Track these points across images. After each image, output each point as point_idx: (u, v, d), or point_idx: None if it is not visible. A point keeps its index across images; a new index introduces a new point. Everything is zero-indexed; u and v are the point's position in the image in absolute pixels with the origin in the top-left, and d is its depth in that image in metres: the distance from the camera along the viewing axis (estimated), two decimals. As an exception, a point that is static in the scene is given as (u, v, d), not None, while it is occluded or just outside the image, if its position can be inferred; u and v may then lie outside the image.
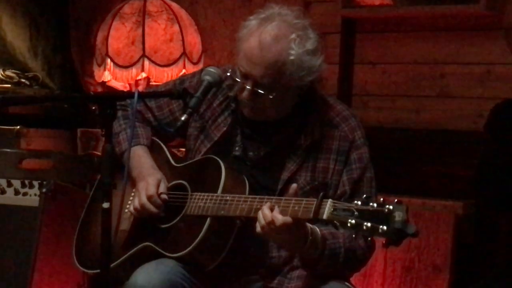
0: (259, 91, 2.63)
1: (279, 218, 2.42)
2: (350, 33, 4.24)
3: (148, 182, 2.73)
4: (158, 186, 2.73)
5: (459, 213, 3.70)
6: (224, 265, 2.65)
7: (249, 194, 2.64)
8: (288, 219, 2.41)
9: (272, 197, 2.53)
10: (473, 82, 3.92)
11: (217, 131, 2.82)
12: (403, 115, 4.10)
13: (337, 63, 4.21)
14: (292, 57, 2.61)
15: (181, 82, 2.94)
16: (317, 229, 2.54)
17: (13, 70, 4.72)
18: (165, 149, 2.94)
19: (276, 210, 2.44)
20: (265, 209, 2.45)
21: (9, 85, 4.65)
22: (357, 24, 4.24)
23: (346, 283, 2.70)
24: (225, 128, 2.80)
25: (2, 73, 4.68)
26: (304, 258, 2.59)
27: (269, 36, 2.61)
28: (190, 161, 2.83)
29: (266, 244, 2.68)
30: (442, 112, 4.00)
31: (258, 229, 2.47)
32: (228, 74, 2.79)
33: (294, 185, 2.49)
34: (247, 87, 2.64)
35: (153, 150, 2.91)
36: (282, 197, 2.51)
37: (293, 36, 2.62)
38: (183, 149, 3.07)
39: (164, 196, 2.72)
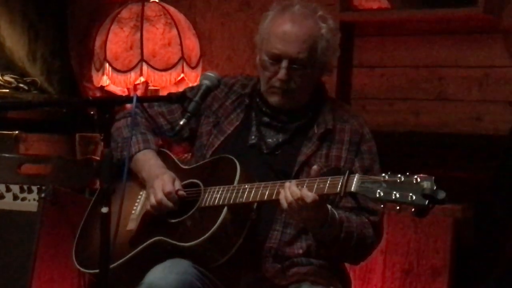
0: (296, 66, 2.75)
1: (308, 194, 2.48)
2: (349, 37, 4.24)
3: (164, 180, 2.76)
4: (173, 182, 2.76)
5: (458, 216, 3.70)
6: (232, 263, 2.66)
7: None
8: (315, 196, 2.48)
9: (291, 180, 2.58)
10: (472, 85, 3.92)
11: (229, 125, 2.90)
12: (401, 119, 4.11)
13: (335, 66, 4.19)
14: (322, 31, 2.79)
15: (190, 90, 2.97)
16: (335, 211, 2.61)
17: (11, 75, 4.72)
18: (171, 155, 2.98)
19: (305, 187, 2.50)
20: (293, 186, 2.52)
21: (8, 90, 4.65)
22: (356, 27, 4.25)
23: None
24: (237, 123, 2.89)
25: (1, 78, 4.67)
26: (321, 238, 2.66)
27: (299, 15, 2.78)
28: (201, 162, 2.87)
29: (272, 221, 2.73)
30: (441, 116, 4.00)
31: (285, 205, 2.52)
32: (240, 77, 2.97)
33: (315, 167, 2.57)
34: (283, 65, 2.76)
35: (160, 156, 2.93)
36: (305, 179, 2.56)
37: (319, 13, 2.82)
38: (186, 155, 3.09)
39: (182, 192, 2.75)
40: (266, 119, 2.86)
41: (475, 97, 3.92)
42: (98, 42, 4.50)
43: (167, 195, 2.72)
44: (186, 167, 2.89)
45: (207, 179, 2.76)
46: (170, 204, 2.73)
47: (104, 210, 2.38)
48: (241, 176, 2.68)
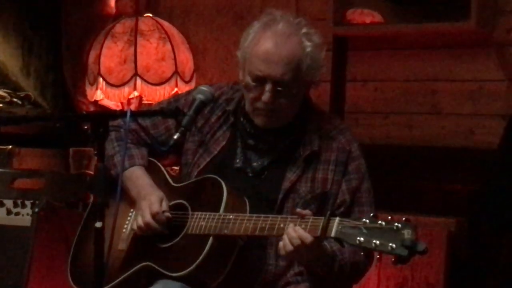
0: (280, 88, 2.65)
1: (308, 236, 2.43)
2: (342, 51, 4.26)
3: (151, 200, 2.73)
4: (161, 203, 2.73)
5: (452, 229, 3.70)
6: (225, 284, 2.64)
7: (250, 207, 2.65)
8: (312, 238, 2.43)
9: (277, 215, 2.55)
10: (465, 99, 3.93)
11: (216, 145, 2.83)
12: (395, 132, 4.11)
13: (329, 80, 4.22)
14: (307, 50, 2.67)
15: (176, 100, 2.95)
16: (327, 245, 2.57)
17: (5, 90, 4.72)
18: (163, 169, 2.93)
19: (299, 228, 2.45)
20: (299, 229, 2.45)
21: (1, 105, 4.64)
22: (349, 42, 4.26)
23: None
24: (224, 142, 2.82)
25: (-6, 92, 4.68)
26: (314, 272, 2.62)
27: (282, 34, 2.66)
28: (190, 181, 2.82)
29: (265, 255, 2.69)
30: (434, 129, 4.01)
31: (291, 248, 2.45)
32: (226, 88, 2.84)
33: (307, 211, 2.51)
34: (267, 89, 2.65)
35: (151, 171, 2.90)
36: (287, 216, 2.53)
37: (303, 31, 2.70)
38: (176, 168, 3.06)
39: (168, 214, 2.72)
40: (251, 141, 2.79)
41: (468, 110, 3.93)
42: (92, 57, 4.50)
43: (154, 216, 2.69)
44: (175, 184, 2.85)
45: (195, 201, 2.72)
46: (157, 226, 2.70)
47: (98, 225, 2.37)
48: (228, 202, 2.63)
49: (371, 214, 2.31)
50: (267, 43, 2.65)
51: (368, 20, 4.10)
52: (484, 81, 3.89)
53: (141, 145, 2.95)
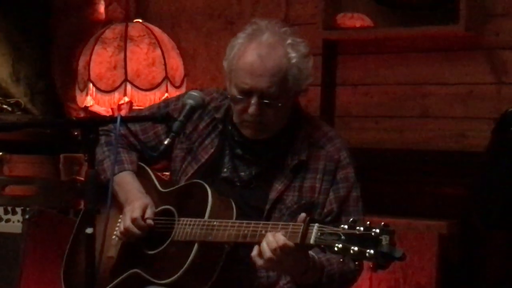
0: (267, 101, 2.62)
1: (289, 243, 2.38)
2: (332, 55, 4.26)
3: (134, 206, 2.72)
4: (144, 209, 2.71)
5: (443, 232, 3.71)
6: None
7: (237, 216, 2.63)
8: (292, 243, 2.39)
9: (258, 221, 2.52)
10: (455, 102, 3.95)
11: (204, 153, 2.80)
12: (386, 136, 4.12)
13: (319, 85, 4.22)
14: (293, 61, 2.63)
15: (166, 105, 2.93)
16: (315, 255, 2.53)
17: (-6, 97, 4.72)
18: (152, 174, 2.92)
19: (279, 234, 2.41)
20: (279, 236, 2.40)
21: (-9, 112, 4.64)
22: (339, 46, 4.27)
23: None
24: (212, 150, 2.79)
25: (-16, 99, 4.67)
26: (302, 284, 2.58)
27: (266, 46, 2.62)
28: (177, 186, 2.81)
29: (254, 269, 2.65)
30: (425, 132, 4.02)
31: (269, 255, 2.41)
32: (215, 94, 2.81)
33: (303, 214, 2.45)
34: (253, 102, 2.62)
35: (140, 175, 2.89)
36: (269, 222, 2.52)
37: (288, 41, 2.65)
38: (167, 173, 3.06)
39: (150, 222, 2.70)
40: (239, 151, 2.77)
41: (459, 114, 3.94)
42: (81, 63, 4.50)
43: (133, 221, 2.68)
44: (163, 190, 2.84)
45: (182, 206, 2.71)
46: (137, 231, 2.68)
47: (89, 231, 2.36)
48: (213, 207, 2.62)
49: (350, 220, 2.29)
50: (252, 55, 2.61)
51: (358, 24, 4.11)
52: (474, 84, 3.90)
53: (132, 150, 2.94)
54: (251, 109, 2.63)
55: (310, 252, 2.50)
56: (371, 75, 4.17)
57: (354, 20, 4.11)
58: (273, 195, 2.68)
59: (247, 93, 2.63)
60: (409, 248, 3.71)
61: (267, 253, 2.41)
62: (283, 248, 2.39)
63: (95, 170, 2.42)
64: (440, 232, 3.72)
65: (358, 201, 2.73)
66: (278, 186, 2.69)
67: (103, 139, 2.90)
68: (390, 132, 4.11)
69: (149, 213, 2.72)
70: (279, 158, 2.72)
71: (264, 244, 2.43)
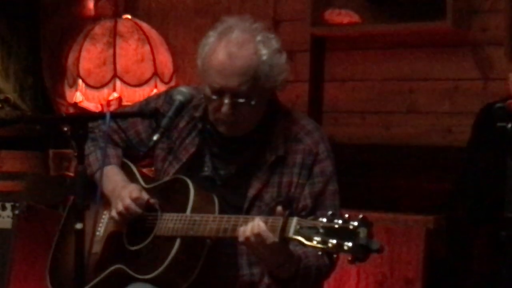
0: (240, 100, 2.61)
1: (270, 236, 2.41)
2: (320, 51, 4.28)
3: (130, 188, 2.72)
4: (141, 192, 2.71)
5: (430, 227, 3.74)
6: (197, 285, 2.65)
7: (219, 213, 2.64)
8: (275, 238, 2.41)
9: (239, 216, 2.54)
10: (441, 98, 3.97)
11: (185, 152, 2.80)
12: (373, 131, 4.14)
13: (306, 80, 4.24)
14: (264, 58, 2.60)
15: (147, 103, 2.92)
16: (293, 249, 2.54)
17: (-16, 93, 4.72)
18: (135, 170, 2.92)
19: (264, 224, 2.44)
20: (263, 226, 2.44)
21: (-19, 108, 4.65)
22: (327, 42, 4.29)
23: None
24: (193, 149, 2.79)
25: (-26, 96, 4.67)
26: (278, 276, 2.58)
27: (236, 44, 2.60)
28: (159, 182, 2.82)
29: (237, 263, 2.69)
30: (411, 128, 4.04)
31: (241, 238, 2.46)
32: (195, 92, 2.78)
33: (279, 208, 2.48)
34: (226, 101, 2.61)
35: (123, 171, 2.90)
36: (249, 216, 2.53)
37: (258, 38, 2.62)
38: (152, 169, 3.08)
39: (153, 200, 2.70)
40: (216, 149, 2.76)
41: (445, 109, 3.96)
42: (71, 59, 4.50)
43: (135, 200, 2.67)
44: (146, 185, 2.83)
45: (164, 202, 2.71)
46: (138, 209, 2.67)
47: (79, 226, 2.36)
48: (195, 202, 2.62)
49: (329, 213, 2.30)
50: (221, 55, 2.59)
51: (345, 20, 4.13)
52: (460, 80, 3.93)
53: (118, 146, 2.95)
54: (224, 109, 2.62)
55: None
56: (359, 71, 4.19)
57: (342, 17, 4.13)
58: (251, 192, 2.68)
59: (219, 93, 2.61)
60: (396, 242, 3.74)
61: (247, 232, 2.44)
62: (262, 238, 2.42)
63: (84, 166, 2.43)
64: (427, 226, 3.74)
65: (335, 194, 2.72)
66: (256, 184, 2.69)
67: (88, 136, 2.90)
68: (377, 128, 4.13)
69: (144, 195, 2.72)
70: (257, 155, 2.71)
71: (248, 225, 2.46)
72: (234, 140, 2.74)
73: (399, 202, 3.97)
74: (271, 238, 2.41)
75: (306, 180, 2.69)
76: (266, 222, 2.43)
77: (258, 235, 2.43)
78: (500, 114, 2.28)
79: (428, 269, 3.72)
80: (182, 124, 2.82)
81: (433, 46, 3.99)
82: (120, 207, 2.71)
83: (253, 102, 2.62)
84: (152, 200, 2.71)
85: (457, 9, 3.80)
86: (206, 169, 2.78)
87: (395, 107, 4.09)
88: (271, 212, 2.61)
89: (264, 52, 2.61)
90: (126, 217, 2.71)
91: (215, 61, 2.61)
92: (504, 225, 2.23)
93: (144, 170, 3.01)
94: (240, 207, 2.68)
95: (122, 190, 2.74)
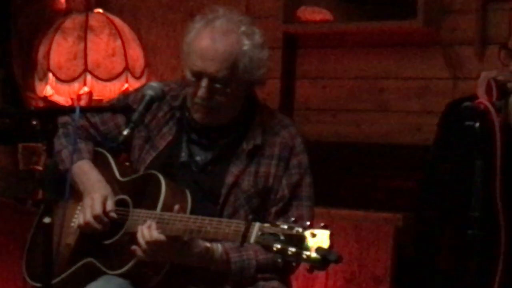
0: (216, 85, 2.66)
1: (161, 237, 2.51)
2: (292, 48, 4.29)
3: (93, 199, 2.73)
4: (104, 203, 2.73)
5: (399, 225, 3.75)
6: (168, 279, 2.66)
7: (193, 203, 2.66)
8: (161, 236, 2.51)
9: (205, 218, 2.55)
10: (412, 97, 3.99)
11: (162, 141, 2.83)
12: (343, 129, 4.16)
13: (278, 77, 4.25)
14: (245, 48, 2.67)
15: (125, 97, 2.95)
16: (219, 244, 2.61)
17: (-47, 86, 4.68)
18: (111, 161, 2.93)
19: (154, 227, 2.53)
20: (145, 229, 2.53)
21: (-51, 101, 4.60)
22: (299, 39, 4.29)
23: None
24: (170, 137, 2.82)
25: None
26: (212, 272, 2.65)
27: (220, 31, 2.67)
28: (134, 176, 2.83)
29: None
30: (382, 126, 4.06)
31: (141, 252, 2.55)
32: (173, 85, 2.84)
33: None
34: (203, 85, 2.67)
35: (99, 163, 2.90)
36: (214, 219, 2.55)
37: (242, 29, 2.69)
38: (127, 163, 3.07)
39: (113, 215, 2.72)
40: (194, 136, 2.80)
41: (415, 108, 3.99)
42: (41, 52, 4.48)
43: (95, 218, 2.70)
44: (121, 179, 2.85)
45: (137, 197, 2.73)
46: (98, 226, 2.70)
47: (47, 220, 2.36)
48: (166, 200, 2.64)
49: (292, 219, 2.32)
50: (205, 39, 2.67)
51: (318, 18, 4.14)
52: (430, 79, 3.95)
53: (91, 140, 2.95)
54: (200, 92, 2.67)
55: (207, 243, 2.58)
56: (330, 69, 4.20)
57: (315, 14, 4.14)
58: (229, 179, 2.72)
59: (198, 76, 2.68)
60: (365, 240, 3.76)
61: (143, 246, 2.53)
62: (155, 242, 2.51)
63: (53, 160, 2.42)
64: (396, 224, 3.76)
65: (310, 187, 2.78)
66: (233, 171, 2.73)
67: (60, 131, 2.91)
68: (347, 126, 4.14)
69: (109, 205, 2.73)
70: (235, 143, 2.76)
71: (139, 237, 2.54)
72: (211, 129, 2.77)
73: (368, 200, 3.99)
74: (163, 239, 2.51)
75: (283, 172, 2.74)
76: (229, 227, 2.47)
77: (152, 243, 2.52)
78: (468, 113, 2.30)
79: (397, 267, 3.74)
80: (160, 114, 2.86)
81: (404, 45, 4.01)
82: (81, 221, 2.74)
83: (228, 90, 2.68)
84: (112, 214, 2.72)
85: (428, 8, 3.82)
86: (183, 155, 2.80)
87: (366, 105, 4.11)
88: (248, 199, 2.69)
89: (246, 43, 2.68)
90: (87, 230, 2.74)
91: (198, 45, 2.68)
92: (471, 224, 2.25)
93: (121, 161, 3.01)
94: (217, 193, 2.72)
95: (86, 199, 2.76)
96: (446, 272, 3.10)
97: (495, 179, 2.27)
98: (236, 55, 2.66)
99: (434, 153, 2.79)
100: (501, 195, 2.28)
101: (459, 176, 2.52)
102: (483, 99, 2.39)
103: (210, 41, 2.66)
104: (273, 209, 2.72)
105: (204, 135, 2.79)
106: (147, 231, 2.54)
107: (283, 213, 2.70)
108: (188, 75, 2.71)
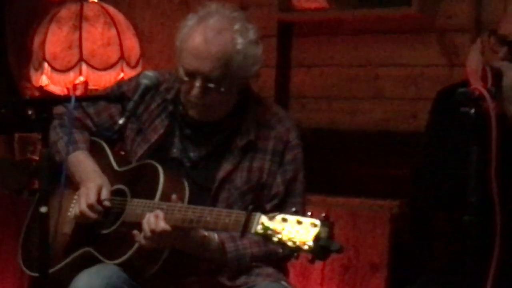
0: (210, 85, 2.64)
1: (166, 227, 2.51)
2: (287, 37, 4.28)
3: (88, 188, 2.73)
4: (99, 192, 2.73)
5: (395, 212, 3.76)
6: (164, 270, 2.67)
7: (189, 197, 2.66)
8: (167, 227, 2.51)
9: (205, 207, 2.55)
10: (407, 84, 3.99)
11: (154, 133, 2.82)
12: (339, 117, 4.15)
13: (274, 66, 4.24)
14: (238, 47, 2.65)
15: (119, 87, 2.94)
16: (215, 234, 2.60)
17: None
18: (108, 151, 2.93)
19: (161, 217, 2.52)
20: (152, 217, 2.53)
21: None
22: (294, 27, 4.29)
23: (283, 283, 2.75)
24: (162, 131, 2.81)
25: None
26: (208, 263, 2.66)
27: (213, 30, 2.64)
28: (131, 166, 2.83)
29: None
30: (377, 114, 4.06)
31: (142, 239, 2.55)
32: (168, 75, 2.82)
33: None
34: (197, 84, 2.65)
35: (95, 153, 2.91)
36: (215, 208, 2.55)
37: (236, 27, 2.66)
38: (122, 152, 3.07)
39: (107, 203, 2.72)
40: (188, 131, 2.79)
41: (411, 95, 3.98)
42: (36, 42, 4.47)
43: (89, 206, 2.70)
44: (118, 168, 2.85)
45: (134, 187, 2.73)
46: (93, 215, 2.70)
47: (43, 209, 2.37)
48: (164, 190, 2.64)
49: (293, 209, 2.31)
50: (198, 38, 2.63)
51: (313, 6, 4.13)
52: (426, 66, 3.95)
53: (87, 131, 2.94)
54: (194, 91, 2.66)
55: (205, 232, 2.58)
56: (325, 57, 4.20)
57: (310, 2, 4.13)
58: (221, 174, 2.71)
59: (192, 75, 2.66)
60: (361, 227, 3.77)
61: (147, 233, 2.53)
62: (162, 232, 2.52)
63: (49, 149, 2.42)
64: (393, 211, 3.76)
65: (303, 183, 2.77)
66: (226, 166, 2.72)
67: (56, 122, 2.91)
68: (343, 113, 4.14)
69: (104, 194, 2.73)
70: (228, 139, 2.75)
71: (144, 223, 2.53)
72: (205, 124, 2.76)
73: (364, 187, 3.99)
74: (168, 229, 2.51)
75: (277, 168, 2.73)
76: (230, 217, 2.46)
77: (157, 232, 2.52)
78: (463, 99, 2.29)
79: (393, 254, 3.75)
80: (153, 106, 2.84)
81: (399, 32, 4.01)
82: (77, 209, 2.74)
83: (222, 89, 2.65)
84: (106, 203, 2.72)
85: (423, -5, 3.83)
86: (174, 150, 2.80)
87: (361, 93, 4.10)
88: (242, 195, 2.66)
89: (239, 41, 2.65)
90: (84, 220, 2.74)
91: (191, 44, 2.65)
92: (467, 210, 2.25)
93: (117, 151, 3.01)
94: (209, 188, 2.71)
95: (82, 189, 2.76)
96: (441, 259, 3.11)
97: (491, 164, 2.27)
98: (230, 54, 2.64)
99: (427, 139, 2.78)
100: (496, 180, 2.28)
101: (454, 162, 2.51)
102: (478, 85, 2.39)
103: (203, 40, 2.63)
104: (268, 206, 2.71)
105: (198, 131, 2.78)
106: (154, 219, 2.53)
107: (278, 210, 2.69)
108: (182, 72, 2.69)
